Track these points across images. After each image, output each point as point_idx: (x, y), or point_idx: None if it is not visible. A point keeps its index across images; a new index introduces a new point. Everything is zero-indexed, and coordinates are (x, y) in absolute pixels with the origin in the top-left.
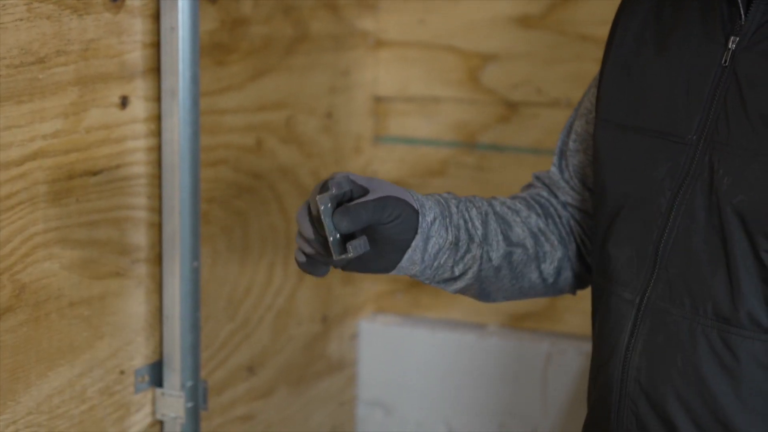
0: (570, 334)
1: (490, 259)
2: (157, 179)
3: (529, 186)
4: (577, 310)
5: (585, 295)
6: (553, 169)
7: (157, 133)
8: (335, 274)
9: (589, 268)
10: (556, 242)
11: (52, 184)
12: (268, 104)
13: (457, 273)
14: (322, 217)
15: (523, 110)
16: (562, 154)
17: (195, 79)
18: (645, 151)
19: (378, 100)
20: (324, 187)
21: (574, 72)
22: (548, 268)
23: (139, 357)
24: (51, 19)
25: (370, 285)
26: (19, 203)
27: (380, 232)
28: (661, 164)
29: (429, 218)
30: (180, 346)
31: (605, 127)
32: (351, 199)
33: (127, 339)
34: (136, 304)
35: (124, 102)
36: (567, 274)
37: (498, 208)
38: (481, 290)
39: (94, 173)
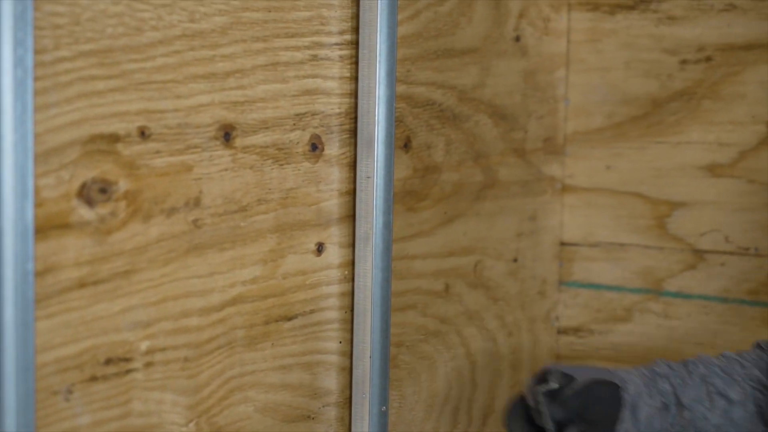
0: None
1: (706, 418)
2: (348, 324)
3: None
4: None
5: None
6: None
7: (350, 278)
8: None
9: None
10: None
11: (249, 329)
12: (456, 249)
13: None
14: (541, 407)
15: (711, 258)
16: None
17: (388, 226)
18: None
19: (563, 244)
20: (541, 379)
21: (764, 221)
22: None
23: None
24: (254, 168)
25: None
26: (218, 347)
27: (591, 412)
28: None
29: (631, 391)
30: None
31: None
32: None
33: None
34: None
35: (319, 248)
36: None
37: (726, 367)
38: None
39: (289, 318)
